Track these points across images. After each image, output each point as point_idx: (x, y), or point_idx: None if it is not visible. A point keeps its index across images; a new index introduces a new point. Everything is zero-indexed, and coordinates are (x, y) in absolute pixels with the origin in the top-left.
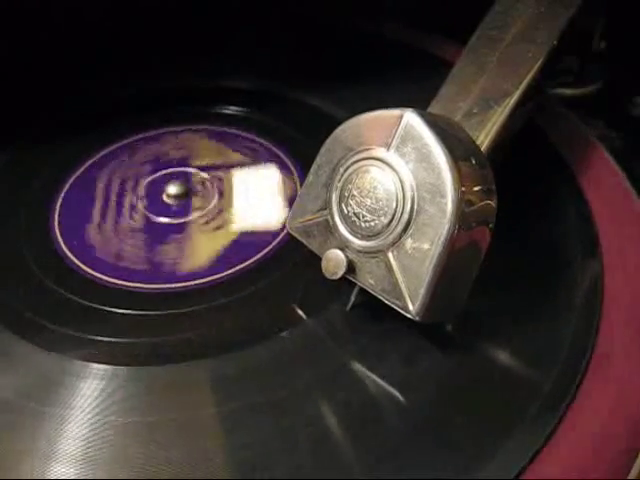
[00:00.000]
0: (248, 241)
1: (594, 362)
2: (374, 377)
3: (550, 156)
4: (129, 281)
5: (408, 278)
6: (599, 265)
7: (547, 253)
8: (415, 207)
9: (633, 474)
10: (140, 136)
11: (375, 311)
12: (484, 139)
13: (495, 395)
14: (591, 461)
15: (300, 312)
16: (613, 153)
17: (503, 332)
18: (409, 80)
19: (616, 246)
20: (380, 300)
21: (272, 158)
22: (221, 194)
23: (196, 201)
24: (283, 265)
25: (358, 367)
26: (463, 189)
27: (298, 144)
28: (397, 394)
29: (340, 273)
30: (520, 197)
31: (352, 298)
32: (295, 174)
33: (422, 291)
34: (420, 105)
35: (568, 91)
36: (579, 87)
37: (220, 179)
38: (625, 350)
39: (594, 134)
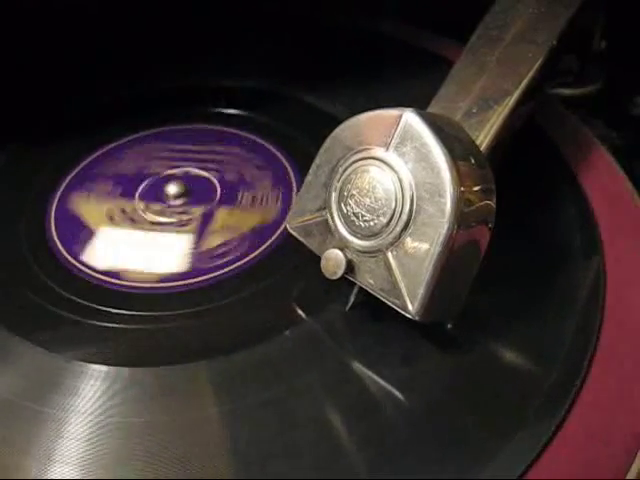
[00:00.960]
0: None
1: (595, 361)
2: (374, 377)
3: (550, 156)
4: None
5: (407, 278)
6: (600, 264)
7: (547, 252)
8: (414, 207)
9: (633, 474)
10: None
11: (375, 311)
12: (484, 139)
13: (496, 394)
14: (592, 460)
15: (300, 312)
16: (613, 153)
17: (504, 331)
18: (409, 80)
19: (616, 245)
20: (379, 300)
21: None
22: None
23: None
24: (283, 265)
25: (358, 367)
26: (462, 189)
27: (298, 144)
28: (397, 394)
29: (339, 273)
30: (520, 197)
31: (352, 298)
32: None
33: (421, 290)
34: (420, 105)
35: (568, 91)
36: (579, 87)
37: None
38: (626, 349)
39: (594, 134)
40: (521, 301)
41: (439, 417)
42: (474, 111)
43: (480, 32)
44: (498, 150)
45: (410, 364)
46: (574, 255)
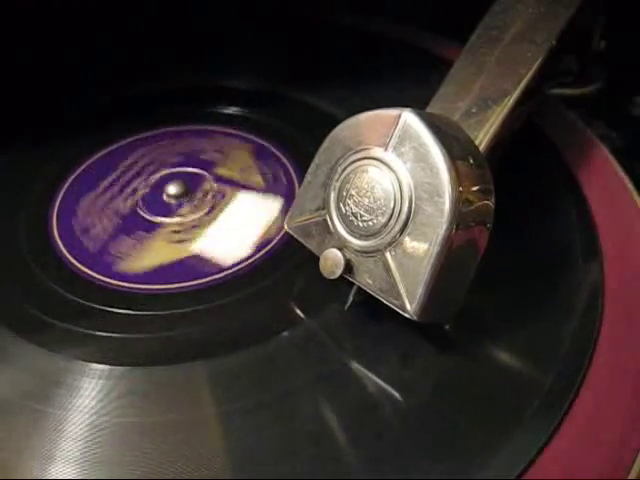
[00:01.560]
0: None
1: (594, 361)
2: (373, 377)
3: (550, 156)
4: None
5: (406, 277)
6: (599, 265)
7: (547, 253)
8: (413, 207)
9: (633, 474)
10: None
11: (373, 310)
12: (483, 139)
13: (495, 395)
14: (591, 461)
15: (299, 312)
16: (613, 153)
17: (503, 332)
18: (408, 80)
19: (616, 246)
20: (378, 300)
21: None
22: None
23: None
24: (282, 265)
25: (357, 367)
26: (461, 189)
27: (298, 144)
28: (396, 394)
29: (338, 272)
30: (520, 197)
31: (350, 297)
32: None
33: (420, 290)
34: (419, 105)
35: (568, 91)
36: (579, 87)
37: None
38: (625, 350)
39: (594, 134)
40: (520, 302)
41: (437, 417)
42: (473, 111)
43: (480, 32)
44: (497, 150)
45: (409, 364)
46: (573, 256)
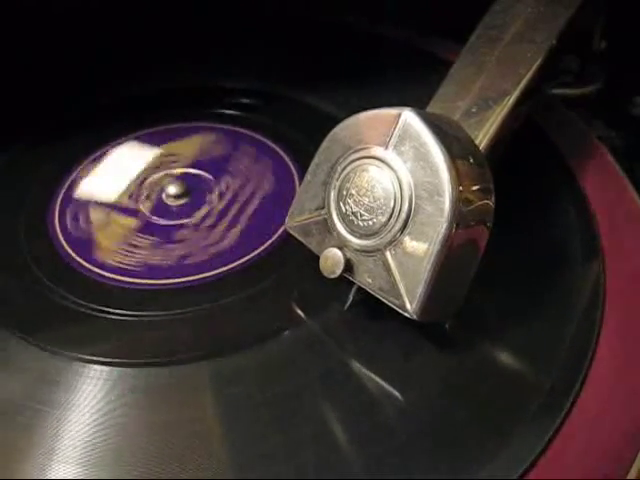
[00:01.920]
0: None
1: (595, 361)
2: (373, 376)
3: (550, 156)
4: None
5: (406, 277)
6: (599, 264)
7: (547, 253)
8: (413, 206)
9: (633, 474)
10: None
11: (374, 310)
12: (483, 138)
13: (496, 394)
14: (592, 461)
15: (299, 311)
16: (613, 153)
17: (503, 331)
18: (408, 79)
19: (616, 246)
20: (379, 299)
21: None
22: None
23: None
24: (282, 265)
25: (357, 366)
26: (461, 188)
27: (298, 144)
28: (396, 393)
29: (338, 272)
30: (520, 197)
31: (350, 297)
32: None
33: (420, 290)
34: (419, 104)
35: (568, 91)
36: (579, 87)
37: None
38: (626, 349)
39: (594, 134)
40: (521, 301)
41: (438, 417)
42: (473, 111)
43: (479, 32)
44: (497, 149)
45: (409, 363)
46: (574, 255)
